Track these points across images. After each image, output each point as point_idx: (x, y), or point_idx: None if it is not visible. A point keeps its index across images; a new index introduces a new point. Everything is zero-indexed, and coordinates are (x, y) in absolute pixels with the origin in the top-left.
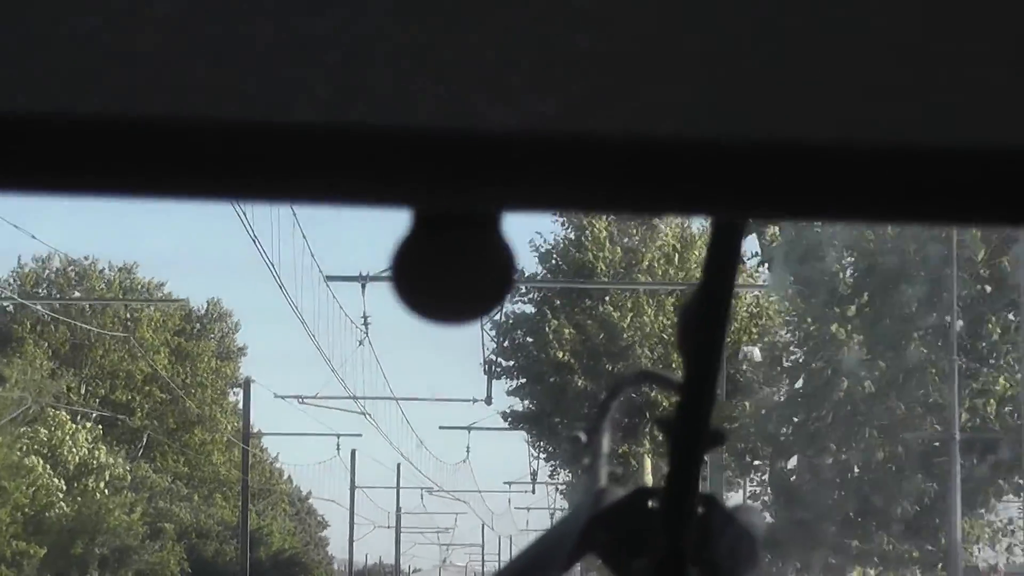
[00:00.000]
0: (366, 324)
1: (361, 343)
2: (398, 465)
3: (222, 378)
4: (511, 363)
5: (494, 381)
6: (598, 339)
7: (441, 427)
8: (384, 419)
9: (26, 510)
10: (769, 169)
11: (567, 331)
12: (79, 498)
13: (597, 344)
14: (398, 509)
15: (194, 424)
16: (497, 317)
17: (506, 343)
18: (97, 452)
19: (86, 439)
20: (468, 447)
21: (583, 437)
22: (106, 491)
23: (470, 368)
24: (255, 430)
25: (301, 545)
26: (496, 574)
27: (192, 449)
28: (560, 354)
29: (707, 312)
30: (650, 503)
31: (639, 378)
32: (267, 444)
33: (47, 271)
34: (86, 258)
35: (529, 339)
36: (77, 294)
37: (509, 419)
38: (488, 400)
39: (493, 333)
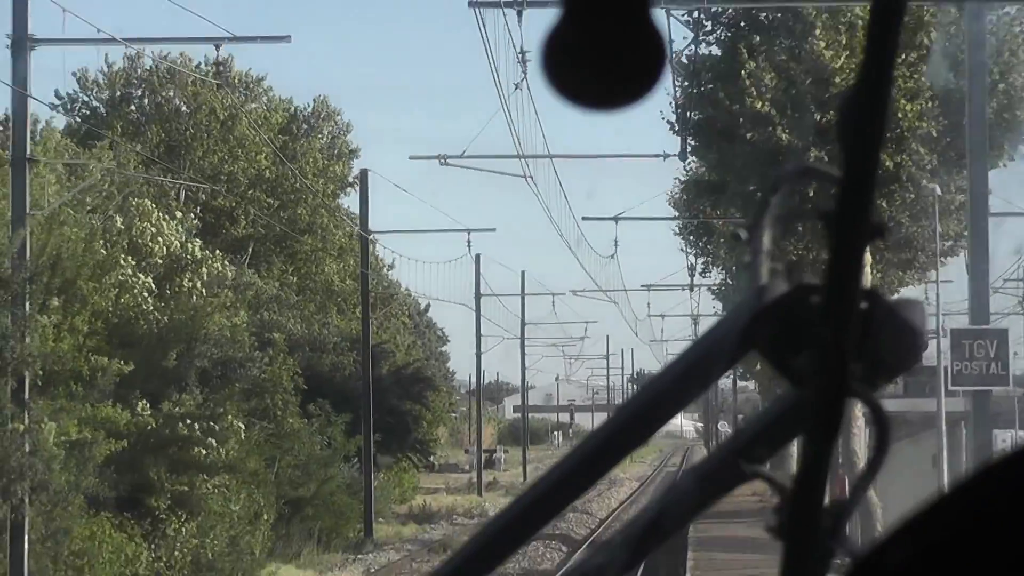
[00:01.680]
0: (524, 61)
1: (518, 87)
2: (522, 272)
3: (333, 180)
4: (698, 116)
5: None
6: (805, 84)
7: (584, 218)
8: (543, 187)
9: (110, 316)
10: None
11: (767, 76)
12: (172, 301)
13: (804, 91)
14: (523, 319)
15: (304, 231)
16: (682, 60)
17: (692, 92)
18: (191, 246)
19: (177, 230)
20: (616, 241)
21: (743, 234)
22: (203, 292)
23: (648, 123)
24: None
25: (423, 359)
26: (659, 374)
27: (302, 258)
28: (758, 104)
29: (867, 102)
30: (812, 298)
31: (799, 173)
32: (383, 253)
33: (138, 69)
34: (181, 54)
35: (719, 88)
36: (170, 93)
37: (692, 189)
38: (683, 155)
39: (679, 81)
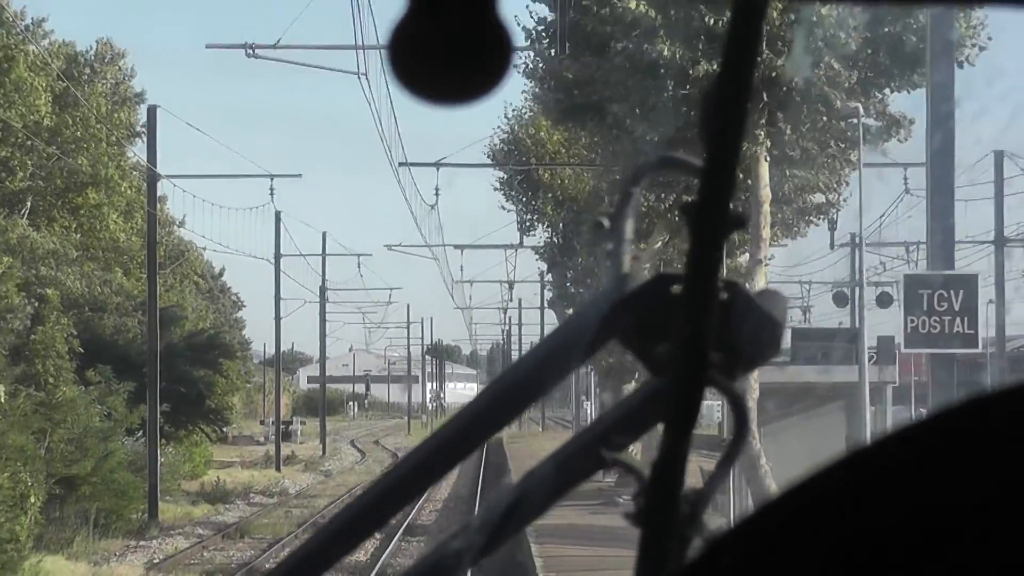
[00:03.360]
0: None
1: None
2: (324, 233)
3: (118, 128)
4: (547, 31)
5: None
6: None
7: (402, 164)
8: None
9: None
10: None
11: None
12: None
13: None
14: (323, 282)
15: (87, 185)
16: None
17: None
18: None
19: None
20: (437, 189)
21: (606, 223)
22: None
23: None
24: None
25: (217, 326)
26: (517, 362)
27: (85, 213)
28: (632, 4)
29: (727, 95)
30: (673, 288)
31: (660, 163)
32: (174, 210)
33: None
34: None
35: None
36: None
37: (555, 110)
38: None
39: None
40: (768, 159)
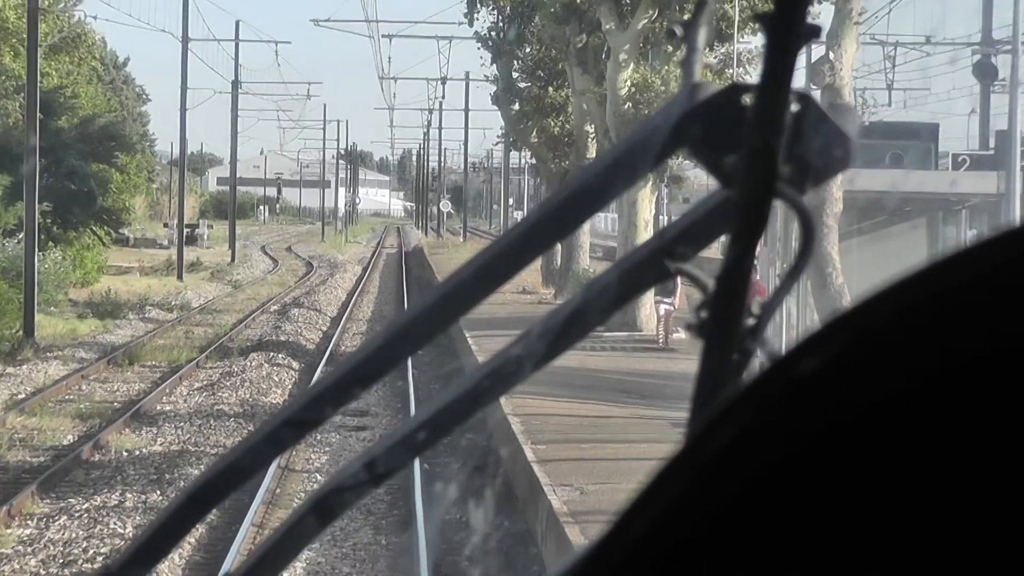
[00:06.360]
0: None
1: None
2: (237, 22)
3: None
4: None
5: None
6: None
7: None
8: None
9: None
10: None
11: None
12: None
13: None
14: (236, 74)
15: None
16: None
17: None
18: None
19: None
20: None
21: (679, 31)
22: None
23: None
24: None
25: (119, 118)
26: (585, 168)
27: None
28: None
29: None
30: (744, 99)
31: None
32: None
33: None
34: None
35: None
36: None
37: None
38: None
39: None
40: None
